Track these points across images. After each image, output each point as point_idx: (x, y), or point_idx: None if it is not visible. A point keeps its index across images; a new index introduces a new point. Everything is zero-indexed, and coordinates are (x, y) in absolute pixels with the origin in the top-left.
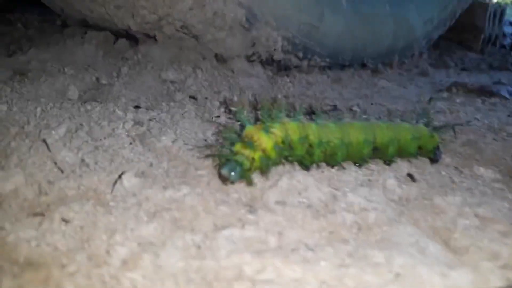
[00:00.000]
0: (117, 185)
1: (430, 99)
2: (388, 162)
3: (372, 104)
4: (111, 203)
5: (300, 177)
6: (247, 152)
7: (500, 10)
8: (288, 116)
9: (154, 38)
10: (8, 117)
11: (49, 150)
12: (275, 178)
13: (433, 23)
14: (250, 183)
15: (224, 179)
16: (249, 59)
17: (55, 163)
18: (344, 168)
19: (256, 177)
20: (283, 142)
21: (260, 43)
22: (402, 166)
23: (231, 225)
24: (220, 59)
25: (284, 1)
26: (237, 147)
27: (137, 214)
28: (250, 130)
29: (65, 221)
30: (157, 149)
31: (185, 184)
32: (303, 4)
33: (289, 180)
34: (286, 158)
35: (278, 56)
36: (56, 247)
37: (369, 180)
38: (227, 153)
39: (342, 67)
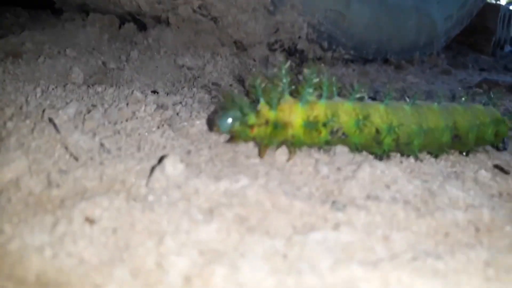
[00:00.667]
0: (156, 174)
1: (471, 93)
2: (466, 152)
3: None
4: (150, 197)
5: (382, 167)
6: (263, 111)
7: (509, 14)
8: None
9: (165, 22)
10: (2, 97)
11: (58, 132)
12: (348, 168)
13: (452, 21)
14: (239, 138)
15: (213, 123)
16: (271, 47)
17: (67, 147)
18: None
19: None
20: (325, 123)
21: (284, 29)
22: (480, 156)
23: (318, 226)
24: (240, 46)
25: None
26: (262, 103)
27: (188, 211)
28: (287, 98)
29: (90, 221)
30: (191, 134)
31: (240, 174)
32: None
33: (371, 170)
34: (327, 142)
35: (302, 45)
36: (82, 259)
37: (455, 172)
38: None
39: (365, 61)
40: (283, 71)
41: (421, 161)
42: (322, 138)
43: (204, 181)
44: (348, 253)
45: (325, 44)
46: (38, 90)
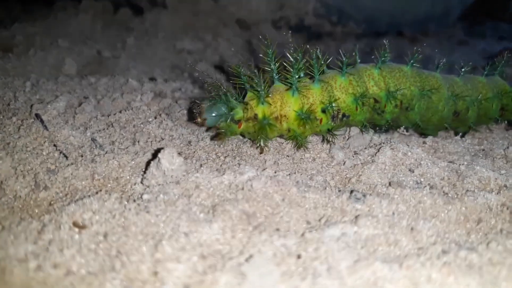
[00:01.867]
0: (151, 170)
1: (489, 63)
2: (462, 133)
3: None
4: (146, 196)
5: (404, 148)
6: (251, 103)
7: None
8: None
9: (162, 4)
10: None
11: (46, 128)
12: (366, 152)
13: None
14: (225, 135)
15: (195, 115)
16: (276, 24)
17: (55, 145)
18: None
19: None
20: (324, 110)
21: (289, 4)
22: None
23: (335, 220)
24: (243, 25)
25: None
26: (249, 95)
27: (188, 210)
28: (277, 87)
29: (79, 226)
30: (191, 123)
31: (246, 165)
32: None
33: (393, 153)
34: (329, 130)
35: (309, 20)
36: (69, 270)
37: (483, 150)
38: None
39: (377, 35)
40: (270, 54)
41: (445, 138)
42: (324, 126)
43: (206, 175)
44: (370, 250)
45: (334, 19)
46: (28, 84)
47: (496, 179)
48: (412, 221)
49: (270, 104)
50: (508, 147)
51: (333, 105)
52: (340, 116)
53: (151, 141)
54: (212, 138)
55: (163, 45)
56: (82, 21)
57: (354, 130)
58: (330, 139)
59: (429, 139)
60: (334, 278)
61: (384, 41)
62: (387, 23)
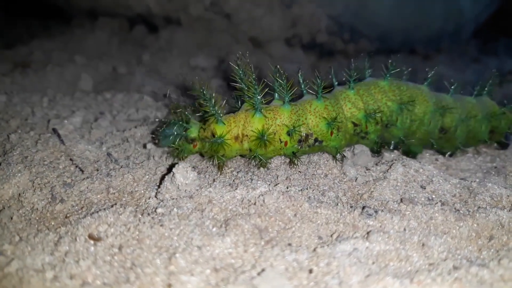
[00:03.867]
0: (166, 184)
1: (501, 81)
2: (450, 153)
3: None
4: (160, 210)
5: (416, 165)
6: (210, 123)
7: None
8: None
9: (177, 22)
10: (7, 108)
11: (62, 143)
12: (378, 169)
13: (481, 5)
14: (181, 156)
15: (153, 137)
16: (288, 42)
17: (71, 159)
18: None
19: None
20: (289, 132)
21: (302, 22)
22: None
23: (347, 235)
24: (256, 42)
25: None
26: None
27: (201, 224)
28: (246, 105)
29: (95, 239)
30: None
31: (258, 180)
32: None
33: (405, 170)
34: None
35: (321, 38)
36: (84, 281)
37: (495, 167)
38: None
39: (390, 52)
40: (240, 74)
41: (458, 156)
42: (288, 149)
43: (219, 190)
44: (381, 265)
45: (347, 36)
46: (45, 100)
47: (508, 196)
48: (423, 237)
49: (224, 124)
50: None
51: (300, 129)
52: (311, 140)
53: (166, 156)
54: (174, 157)
55: (177, 61)
56: (99, 38)
57: (358, 148)
58: (296, 162)
59: (440, 157)
60: None
61: (365, 60)
62: (400, 41)
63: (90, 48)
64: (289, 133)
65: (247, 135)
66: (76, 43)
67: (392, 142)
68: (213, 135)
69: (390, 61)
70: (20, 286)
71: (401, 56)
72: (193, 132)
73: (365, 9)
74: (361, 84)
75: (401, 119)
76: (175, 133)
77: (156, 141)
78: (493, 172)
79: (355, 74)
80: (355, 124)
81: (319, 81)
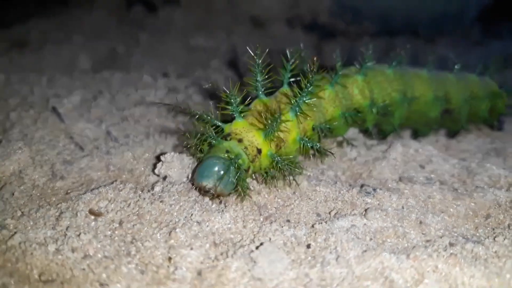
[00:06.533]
0: (165, 162)
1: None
2: (453, 133)
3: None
4: (159, 187)
5: (416, 145)
6: (250, 137)
7: None
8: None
9: (175, 1)
10: (6, 88)
11: (62, 121)
12: (378, 148)
13: None
14: (244, 195)
15: (204, 189)
16: (289, 23)
17: (71, 137)
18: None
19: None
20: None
21: (303, 3)
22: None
23: (345, 212)
24: (257, 23)
25: None
26: (239, 125)
27: (201, 201)
28: (264, 102)
29: (95, 214)
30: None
31: None
32: None
33: (404, 149)
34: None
35: (323, 19)
36: (86, 254)
37: (495, 148)
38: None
39: (392, 34)
40: (257, 67)
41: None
42: (315, 145)
43: None
44: (379, 241)
45: (348, 18)
46: (44, 79)
47: (506, 176)
48: (421, 215)
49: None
50: None
51: (327, 125)
52: (325, 132)
53: (166, 135)
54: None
55: (177, 42)
56: (96, 17)
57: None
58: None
59: (441, 137)
60: (343, 266)
61: (366, 46)
62: (402, 23)
63: (88, 28)
64: (313, 128)
65: (283, 140)
66: (73, 23)
67: (385, 129)
68: (259, 151)
69: (397, 49)
70: (23, 258)
71: (403, 38)
72: (246, 161)
73: None
74: (368, 70)
75: (400, 110)
76: (233, 178)
77: (209, 195)
78: (492, 153)
79: (366, 60)
80: (357, 111)
81: (337, 65)
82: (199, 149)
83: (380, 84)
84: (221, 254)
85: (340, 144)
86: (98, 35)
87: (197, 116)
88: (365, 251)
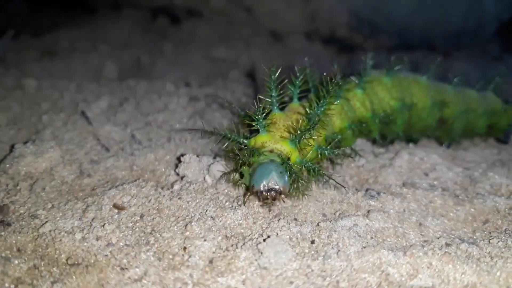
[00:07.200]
0: (185, 163)
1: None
2: (447, 144)
3: None
4: (178, 185)
5: (421, 154)
6: (278, 148)
7: None
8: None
9: (198, 14)
10: (38, 92)
11: (90, 124)
12: (385, 156)
13: (504, 3)
14: (301, 193)
15: (266, 191)
16: (308, 36)
17: (98, 139)
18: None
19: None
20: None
21: (321, 17)
22: None
23: (349, 213)
24: (276, 35)
25: None
26: (259, 140)
27: (216, 199)
28: (278, 116)
29: (119, 208)
30: (222, 124)
31: None
32: None
33: (410, 157)
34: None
35: (341, 33)
36: (109, 242)
37: (501, 159)
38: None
39: (409, 49)
40: (272, 83)
41: (465, 148)
42: (333, 153)
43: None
44: (379, 240)
45: (366, 32)
46: (73, 85)
47: (508, 185)
48: (421, 217)
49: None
50: None
51: (338, 135)
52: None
53: (185, 139)
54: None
55: (198, 52)
56: (122, 28)
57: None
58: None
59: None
60: (342, 260)
61: (364, 56)
62: (419, 37)
63: (114, 38)
64: (326, 140)
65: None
66: (100, 33)
67: (389, 137)
68: (288, 159)
69: (392, 57)
70: (53, 244)
71: (420, 53)
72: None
73: (384, 4)
74: (366, 80)
75: (402, 117)
76: (287, 176)
77: (269, 201)
78: (497, 164)
79: (363, 73)
80: (361, 123)
81: (340, 81)
82: (239, 172)
83: (379, 94)
84: (232, 245)
85: (348, 155)
86: (124, 45)
87: (223, 136)
88: (365, 247)
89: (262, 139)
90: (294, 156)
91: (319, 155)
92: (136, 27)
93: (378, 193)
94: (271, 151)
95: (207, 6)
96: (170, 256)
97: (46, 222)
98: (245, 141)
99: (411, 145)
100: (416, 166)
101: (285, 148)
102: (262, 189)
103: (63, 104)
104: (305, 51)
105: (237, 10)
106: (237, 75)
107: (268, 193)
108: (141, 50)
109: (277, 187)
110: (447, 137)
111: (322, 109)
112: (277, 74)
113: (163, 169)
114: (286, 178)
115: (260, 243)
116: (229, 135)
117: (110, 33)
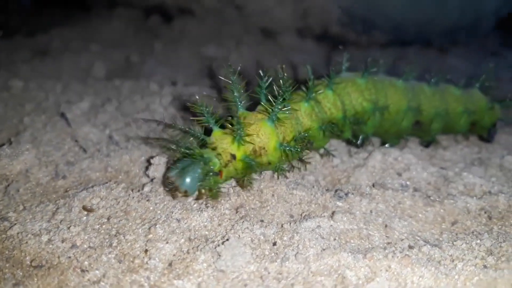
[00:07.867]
0: (155, 164)
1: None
2: (426, 143)
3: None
4: (149, 187)
5: (396, 153)
6: (224, 145)
7: None
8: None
9: (190, 13)
10: (24, 93)
11: (69, 125)
12: (360, 156)
13: None
14: (215, 196)
15: (172, 188)
16: (300, 33)
17: (76, 140)
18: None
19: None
20: (296, 139)
21: (313, 14)
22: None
23: (315, 214)
24: (267, 33)
25: None
26: (216, 134)
27: (183, 201)
28: (244, 115)
29: (87, 210)
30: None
31: None
32: None
33: (383, 158)
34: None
35: (333, 29)
36: (73, 244)
37: (480, 158)
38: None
39: (404, 45)
40: (233, 79)
41: (446, 146)
42: (296, 155)
43: None
44: (342, 241)
45: (359, 28)
46: (59, 86)
47: (481, 185)
48: (388, 219)
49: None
50: (504, 157)
51: (305, 134)
52: (305, 143)
53: (164, 140)
54: (210, 199)
55: (188, 51)
56: (115, 27)
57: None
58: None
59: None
60: (300, 262)
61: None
62: (414, 33)
63: (106, 36)
64: (295, 139)
65: (263, 148)
66: (93, 32)
67: (361, 137)
68: (233, 157)
69: (369, 58)
70: (19, 246)
71: (415, 48)
72: (216, 164)
73: (377, 0)
74: (338, 80)
75: (373, 119)
76: (199, 176)
77: (176, 195)
78: (476, 163)
79: (332, 74)
80: (333, 123)
81: (310, 83)
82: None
83: (351, 94)
84: (193, 248)
85: (322, 156)
86: (115, 43)
87: (184, 131)
88: (325, 249)
89: (215, 135)
90: (240, 154)
91: (282, 156)
92: (129, 26)
93: (346, 194)
94: (214, 148)
95: (199, 4)
96: (131, 259)
97: (15, 224)
98: (204, 136)
99: (387, 145)
100: (390, 166)
101: (230, 146)
102: (164, 178)
103: (47, 105)
104: (297, 49)
105: (228, 8)
106: (227, 73)
107: (169, 184)
108: (131, 49)
109: (176, 184)
110: (425, 136)
111: (278, 108)
112: (236, 75)
113: (137, 171)
114: (188, 181)
115: (219, 245)
116: (189, 130)
117: (103, 32)
